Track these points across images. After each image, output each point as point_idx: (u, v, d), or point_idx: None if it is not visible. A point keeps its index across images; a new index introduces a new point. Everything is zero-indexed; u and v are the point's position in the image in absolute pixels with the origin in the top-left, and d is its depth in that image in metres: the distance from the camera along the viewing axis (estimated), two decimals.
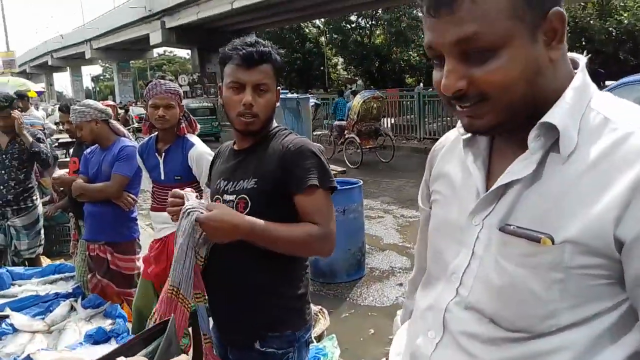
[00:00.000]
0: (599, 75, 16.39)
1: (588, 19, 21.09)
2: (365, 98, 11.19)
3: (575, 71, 0.76)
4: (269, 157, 1.48)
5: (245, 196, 1.47)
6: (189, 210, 1.39)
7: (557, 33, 0.71)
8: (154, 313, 1.56)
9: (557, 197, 0.70)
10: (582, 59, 0.78)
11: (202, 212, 1.36)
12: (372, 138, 11.33)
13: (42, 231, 3.92)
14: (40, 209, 3.91)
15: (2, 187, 3.65)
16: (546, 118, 0.72)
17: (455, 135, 0.93)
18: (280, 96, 1.59)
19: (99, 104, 3.08)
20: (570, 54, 0.78)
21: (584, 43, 22.43)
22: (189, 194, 1.45)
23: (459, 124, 0.86)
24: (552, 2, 0.71)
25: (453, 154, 0.91)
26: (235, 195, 1.49)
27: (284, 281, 1.52)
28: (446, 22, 0.70)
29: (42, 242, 3.93)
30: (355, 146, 11.13)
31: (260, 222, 1.37)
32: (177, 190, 1.47)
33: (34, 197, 3.83)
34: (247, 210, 1.45)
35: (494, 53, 0.70)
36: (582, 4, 20.40)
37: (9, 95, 3.64)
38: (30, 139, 3.68)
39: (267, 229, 1.37)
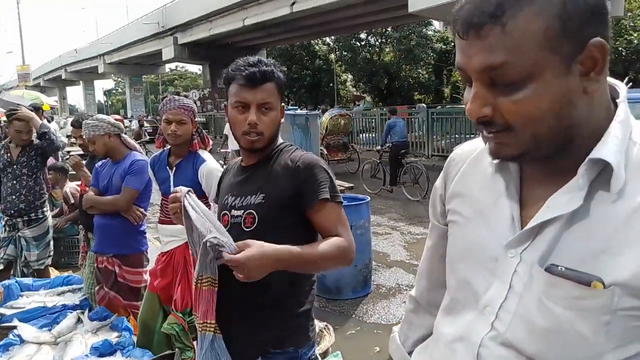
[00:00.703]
0: None
1: None
2: (332, 115, 12.69)
3: (617, 100, 0.72)
4: (277, 173, 1.50)
5: (253, 211, 1.48)
6: (215, 246, 1.29)
7: (597, 64, 0.66)
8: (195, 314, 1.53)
9: (606, 237, 0.67)
10: (622, 88, 0.74)
11: (230, 252, 1.28)
12: (341, 151, 12.60)
13: (52, 243, 3.95)
14: (50, 221, 3.96)
15: (14, 197, 3.69)
16: (597, 154, 0.68)
17: (477, 152, 0.87)
18: (289, 112, 1.62)
19: (111, 118, 3.13)
20: (609, 80, 0.74)
21: None
22: (193, 201, 1.42)
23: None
24: (595, 31, 0.65)
25: (476, 172, 0.86)
26: (242, 211, 1.50)
27: (289, 297, 1.52)
28: (474, 47, 0.67)
29: (52, 253, 3.96)
30: (324, 158, 11.47)
31: (293, 248, 1.37)
32: (176, 195, 1.45)
33: (45, 209, 3.87)
34: (255, 225, 1.47)
35: (523, 85, 0.66)
36: None
37: (21, 106, 3.71)
38: (40, 121, 3.76)
39: (301, 254, 1.38)
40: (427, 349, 0.96)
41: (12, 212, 3.70)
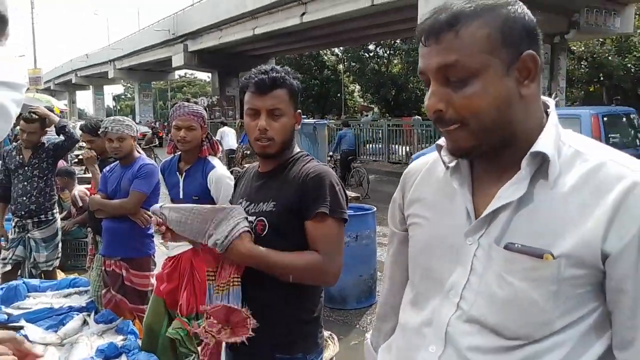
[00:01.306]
0: None
1: (607, 54, 21.09)
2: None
3: (549, 110, 0.87)
4: (289, 182, 1.53)
5: (264, 218, 1.51)
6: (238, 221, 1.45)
7: (530, 72, 0.82)
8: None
9: (549, 218, 0.80)
10: (551, 102, 0.89)
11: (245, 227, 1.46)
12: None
13: (60, 245, 3.98)
14: (59, 223, 3.99)
15: (25, 198, 3.72)
16: (537, 148, 0.81)
17: (429, 164, 1.02)
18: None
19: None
20: (542, 97, 0.88)
21: (602, 78, 22.39)
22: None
23: (438, 156, 0.96)
24: (528, 45, 0.81)
25: (431, 179, 0.99)
26: (254, 217, 1.53)
27: (299, 301, 1.53)
28: (432, 50, 0.82)
29: (60, 255, 3.99)
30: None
31: (270, 251, 1.44)
32: (155, 219, 1.52)
33: (55, 211, 3.91)
34: (265, 232, 1.49)
35: (471, 81, 0.80)
36: (601, 39, 20.45)
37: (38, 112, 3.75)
38: (57, 118, 3.83)
39: (277, 259, 1.44)
40: (391, 344, 1.04)
41: (23, 213, 3.73)
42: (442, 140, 0.93)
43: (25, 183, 3.74)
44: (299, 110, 1.60)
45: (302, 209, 1.47)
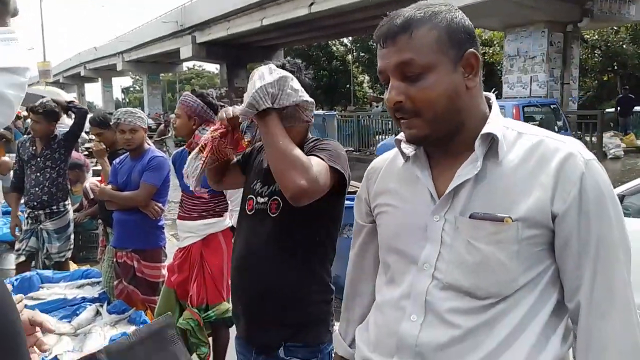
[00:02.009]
0: (630, 101, 16.03)
1: (621, 43, 20.78)
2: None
3: (491, 102, 1.01)
4: None
5: (278, 197, 1.52)
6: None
7: (473, 68, 0.95)
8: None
9: (504, 188, 0.92)
10: (492, 95, 1.03)
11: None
12: None
13: (72, 236, 4.02)
14: (71, 215, 4.01)
15: (37, 189, 3.75)
16: (487, 130, 0.94)
17: (390, 159, 1.14)
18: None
19: None
20: (484, 93, 1.02)
21: (616, 67, 22.08)
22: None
23: (396, 150, 1.09)
24: (470, 45, 0.95)
25: (393, 171, 1.10)
26: (268, 197, 1.54)
27: (312, 285, 1.54)
28: (390, 51, 0.94)
29: (72, 246, 4.02)
30: None
31: (283, 130, 1.35)
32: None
33: (67, 202, 3.93)
34: (279, 210, 1.50)
35: (424, 76, 0.92)
36: (615, 28, 20.14)
37: (48, 105, 3.77)
38: (65, 98, 3.98)
39: (280, 129, 1.35)
40: (368, 323, 1.13)
41: (35, 204, 3.75)
42: (400, 135, 1.05)
43: (38, 174, 3.77)
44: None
45: None
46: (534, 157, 0.92)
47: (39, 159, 3.78)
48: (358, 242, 1.22)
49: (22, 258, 3.80)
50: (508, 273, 0.90)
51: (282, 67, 1.50)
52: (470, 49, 0.95)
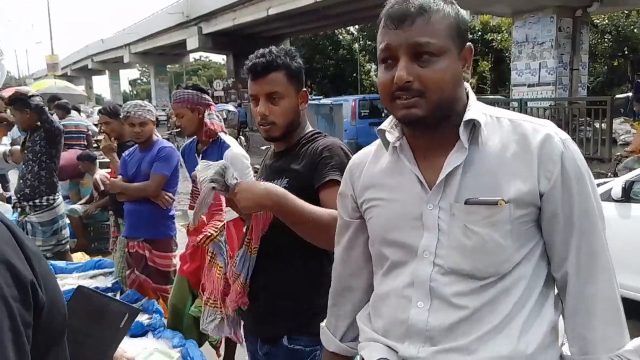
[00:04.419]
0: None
1: (632, 27, 20.45)
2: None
3: (467, 91, 1.05)
4: (302, 159, 1.54)
5: None
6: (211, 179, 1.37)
7: (467, 60, 1.01)
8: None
9: (492, 172, 0.96)
10: (467, 85, 1.07)
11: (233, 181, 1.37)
12: None
13: (63, 232, 3.93)
14: (60, 210, 3.89)
15: (21, 181, 3.74)
16: (469, 116, 0.98)
17: (372, 153, 1.14)
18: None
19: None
20: None
21: (626, 52, 21.76)
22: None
23: (376, 145, 1.13)
24: (467, 39, 1.01)
25: (378, 165, 1.11)
26: None
27: (319, 276, 1.54)
28: (405, 31, 0.95)
29: (63, 241, 3.94)
30: None
31: (289, 194, 1.36)
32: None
33: (54, 196, 3.81)
34: None
35: (437, 59, 0.95)
36: (626, 12, 19.81)
37: (19, 94, 3.69)
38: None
39: (294, 200, 1.36)
40: (369, 316, 1.15)
41: (19, 195, 3.75)
42: (384, 125, 1.08)
43: (23, 166, 3.76)
44: (305, 89, 1.57)
45: (315, 178, 1.47)
46: (515, 139, 0.97)
47: (24, 151, 3.77)
48: (345, 239, 1.22)
49: None
50: (504, 252, 0.95)
51: (266, 54, 1.49)
52: (469, 43, 1.01)
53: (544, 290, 1.00)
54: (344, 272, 1.24)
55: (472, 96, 1.04)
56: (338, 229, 1.24)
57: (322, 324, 1.28)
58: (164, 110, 25.11)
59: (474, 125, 0.98)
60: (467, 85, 1.06)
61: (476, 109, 1.00)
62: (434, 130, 1.01)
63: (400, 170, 1.05)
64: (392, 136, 1.06)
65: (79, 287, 0.58)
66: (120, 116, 3.21)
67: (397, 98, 0.98)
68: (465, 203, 0.96)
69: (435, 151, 1.01)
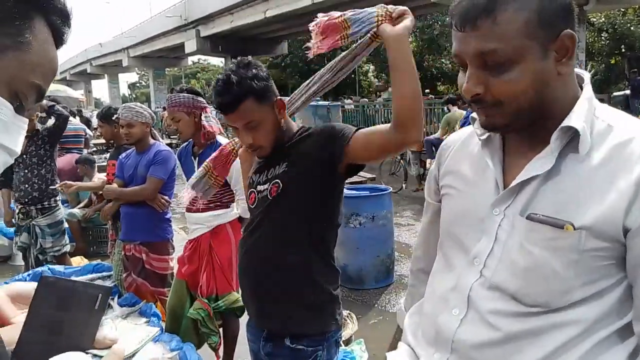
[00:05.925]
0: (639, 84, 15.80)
1: (628, 25, 20.46)
2: None
3: (583, 84, 0.88)
4: (299, 145, 1.54)
5: (278, 180, 1.52)
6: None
7: (568, 51, 0.82)
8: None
9: (574, 190, 0.81)
10: (586, 75, 0.90)
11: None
12: None
13: (67, 233, 4.07)
14: (63, 212, 4.05)
15: (27, 186, 3.79)
16: (568, 122, 0.82)
17: (464, 137, 1.05)
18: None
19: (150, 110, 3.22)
20: (576, 70, 0.89)
21: (623, 50, 21.77)
22: None
23: (473, 128, 0.99)
24: (565, 25, 0.81)
25: (463, 154, 1.02)
26: (268, 183, 1.55)
27: (318, 268, 1.55)
28: (469, 36, 0.82)
29: (67, 242, 4.08)
30: None
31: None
32: None
33: (57, 197, 3.97)
34: (279, 191, 1.51)
35: (509, 67, 0.81)
36: (622, 9, 19.82)
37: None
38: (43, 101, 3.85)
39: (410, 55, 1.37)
40: (420, 309, 1.09)
41: (26, 200, 3.81)
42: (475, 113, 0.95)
43: (26, 171, 3.80)
44: (278, 98, 1.55)
45: (332, 150, 1.44)
46: (618, 158, 0.80)
47: (25, 156, 3.78)
48: (426, 219, 1.18)
49: (19, 253, 3.89)
50: (562, 284, 0.81)
51: (226, 89, 1.47)
52: (567, 30, 0.81)
53: (611, 340, 0.83)
54: (420, 255, 1.22)
55: (587, 91, 0.86)
56: (424, 209, 1.18)
57: (401, 302, 1.27)
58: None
59: (576, 132, 0.82)
60: (584, 74, 0.90)
61: (582, 112, 0.83)
62: (526, 131, 0.88)
63: (483, 165, 0.95)
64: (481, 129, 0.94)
65: (42, 276, 0.57)
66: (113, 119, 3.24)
67: (478, 107, 0.88)
68: (528, 218, 0.84)
69: (526, 150, 0.89)
